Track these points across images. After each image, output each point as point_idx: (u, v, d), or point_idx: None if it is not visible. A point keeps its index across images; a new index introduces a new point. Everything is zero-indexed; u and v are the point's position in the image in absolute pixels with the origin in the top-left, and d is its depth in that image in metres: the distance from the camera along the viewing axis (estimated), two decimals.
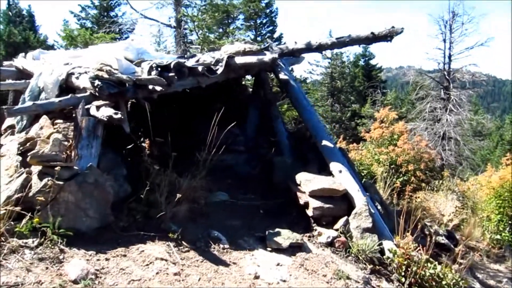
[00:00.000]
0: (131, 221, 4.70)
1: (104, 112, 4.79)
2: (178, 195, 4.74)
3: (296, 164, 6.66)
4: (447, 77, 21.86)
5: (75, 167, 4.61)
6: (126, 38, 25.82)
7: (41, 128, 5.39)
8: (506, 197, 8.29)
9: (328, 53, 33.55)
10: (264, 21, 27.52)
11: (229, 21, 23.88)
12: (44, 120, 5.49)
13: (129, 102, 8.41)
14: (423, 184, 9.68)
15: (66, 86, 5.71)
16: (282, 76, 7.37)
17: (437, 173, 10.91)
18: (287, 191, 6.12)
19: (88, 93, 5.20)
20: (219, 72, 6.55)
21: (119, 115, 4.69)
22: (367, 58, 38.39)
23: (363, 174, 9.67)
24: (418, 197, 9.77)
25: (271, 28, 27.77)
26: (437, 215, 9.29)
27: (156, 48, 15.34)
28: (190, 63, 6.61)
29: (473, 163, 23.34)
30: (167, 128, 8.66)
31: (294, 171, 6.45)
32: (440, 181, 11.23)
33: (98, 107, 4.95)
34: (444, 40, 21.66)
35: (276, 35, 27.31)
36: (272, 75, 8.66)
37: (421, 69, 24.85)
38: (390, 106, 15.12)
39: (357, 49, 38.37)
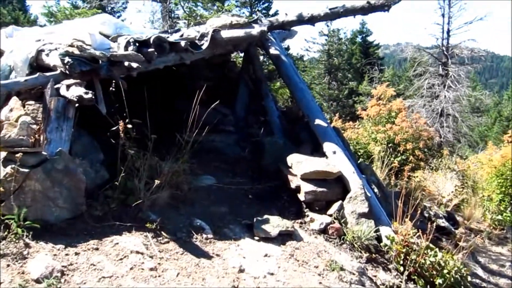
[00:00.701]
0: (106, 210, 4.32)
1: (74, 91, 4.36)
2: (157, 181, 4.35)
3: (288, 145, 6.27)
4: (445, 52, 21.43)
5: (44, 153, 4.21)
6: (119, 17, 25.17)
7: (11, 110, 4.96)
8: (508, 176, 7.95)
9: (325, 29, 32.93)
10: None
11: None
12: (14, 101, 5.05)
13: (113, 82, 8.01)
14: (422, 163, 9.32)
15: (37, 65, 5.26)
16: (272, 51, 6.92)
17: (436, 151, 10.55)
18: (278, 174, 5.75)
19: (58, 72, 4.76)
20: (204, 47, 6.10)
21: (89, 95, 4.27)
22: (364, 35, 37.74)
23: (359, 154, 9.31)
24: (417, 176, 9.45)
25: (266, 4, 27.02)
26: (436, 195, 8.97)
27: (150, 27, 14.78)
28: (173, 38, 6.15)
29: (471, 140, 23.05)
30: (149, 108, 8.28)
31: (285, 153, 6.07)
32: (439, 160, 10.90)
33: (68, 87, 4.52)
34: (443, 15, 21.16)
35: (271, 12, 26.57)
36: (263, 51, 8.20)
37: (419, 45, 24.33)
38: (387, 83, 14.67)
39: (355, 26, 37.78)
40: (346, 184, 5.24)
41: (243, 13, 23.75)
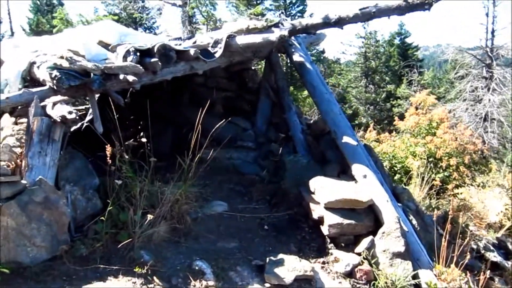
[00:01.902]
0: (94, 248, 3.72)
1: (58, 110, 3.80)
2: (150, 216, 3.71)
3: (312, 164, 5.52)
4: (489, 54, 20.12)
5: (23, 181, 3.66)
6: (153, 23, 24.98)
7: (1, 129, 4.50)
8: None
9: (361, 32, 31.85)
10: (293, 0, 26.07)
11: (257, 1, 22.51)
12: (6, 120, 4.60)
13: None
14: (467, 180, 8.32)
15: (30, 79, 4.77)
16: (296, 57, 6.19)
17: (483, 165, 9.48)
18: (300, 199, 5.01)
19: (46, 87, 4.22)
20: (217, 55, 5.46)
21: (73, 115, 3.69)
22: (402, 37, 36.24)
23: (396, 169, 8.41)
24: (461, 193, 8.46)
25: (301, 7, 26.26)
26: (484, 216, 7.97)
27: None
28: (185, 45, 5.55)
29: None
30: (158, 122, 7.72)
31: (309, 173, 5.33)
32: (487, 174, 9.85)
33: (54, 105, 3.96)
34: (487, 14, 19.82)
35: (306, 15, 25.76)
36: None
37: (461, 46, 22.95)
38: (428, 89, 13.61)
39: (393, 27, 36.28)
40: (378, 215, 4.44)
41: (277, 17, 23.04)
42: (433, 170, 7.92)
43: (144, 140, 7.80)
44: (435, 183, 7.56)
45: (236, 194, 5.40)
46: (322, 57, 29.44)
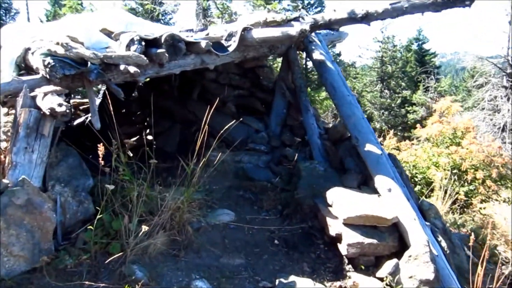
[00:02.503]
0: (81, 259, 3.27)
1: (48, 102, 3.36)
2: (145, 227, 3.25)
3: (330, 173, 5.03)
4: (510, 62, 19.32)
5: (5, 181, 3.24)
6: (170, 19, 24.51)
7: None
8: None
9: (379, 36, 31.18)
10: (312, 1, 25.53)
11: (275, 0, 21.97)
12: None
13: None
14: (493, 195, 7.74)
15: (25, 66, 4.34)
16: (316, 55, 5.69)
17: (510, 180, 8.87)
18: (315, 211, 4.52)
19: (39, 76, 3.79)
20: (231, 49, 5.00)
21: (63, 108, 3.24)
22: (420, 42, 35.47)
23: (416, 180, 7.87)
24: (484, 208, 7.88)
25: (319, 9, 25.70)
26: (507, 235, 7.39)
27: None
28: (197, 37, 5.08)
29: None
30: (166, 119, 7.27)
31: (325, 183, 4.86)
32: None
33: (45, 95, 3.53)
34: (510, 22, 19.06)
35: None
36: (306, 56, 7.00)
37: (479, 55, 22.23)
38: (446, 96, 12.99)
39: (411, 33, 35.52)
40: (403, 234, 3.94)
41: (298, 11, 22.52)
42: (457, 183, 7.36)
43: (150, 137, 7.37)
44: (459, 197, 7.01)
45: (244, 202, 4.93)
46: (338, 60, 28.88)
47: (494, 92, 19.76)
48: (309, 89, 12.90)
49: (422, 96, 27.92)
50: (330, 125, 7.05)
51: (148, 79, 7.80)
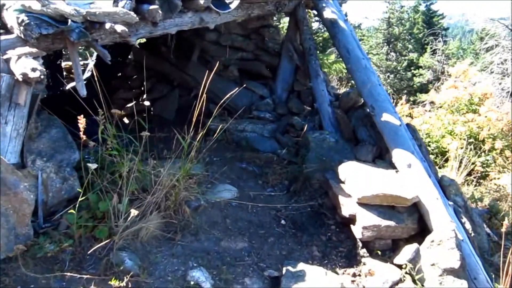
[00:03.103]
0: (64, 246, 2.90)
1: (20, 66, 2.89)
2: (134, 211, 2.85)
3: (341, 144, 4.61)
4: None
5: None
6: None
7: None
8: None
9: None
10: None
11: None
12: None
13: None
14: (510, 166, 7.32)
15: (2, 24, 3.84)
16: (327, 14, 5.15)
17: None
18: (326, 187, 4.13)
19: (14, 35, 3.30)
20: (233, 6, 4.46)
21: (37, 73, 2.78)
22: (428, 3, 34.19)
23: (430, 149, 7.43)
24: (498, 178, 7.48)
25: None
26: None
27: None
28: None
29: None
30: (164, 84, 6.78)
31: (337, 156, 4.47)
32: None
33: (19, 58, 3.06)
34: None
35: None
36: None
37: (488, 16, 21.28)
38: (453, 59, 12.35)
39: None
40: (424, 215, 3.55)
41: None
42: (473, 153, 6.93)
43: (147, 103, 6.91)
44: (475, 168, 6.60)
45: (248, 176, 4.53)
46: (346, 19, 27.89)
47: (504, 55, 19.04)
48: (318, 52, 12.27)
49: (429, 59, 27.15)
50: (340, 91, 6.57)
51: (144, 40, 7.30)
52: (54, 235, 2.98)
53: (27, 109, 3.16)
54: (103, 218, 3.11)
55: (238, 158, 4.82)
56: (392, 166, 4.08)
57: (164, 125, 6.00)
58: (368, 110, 4.51)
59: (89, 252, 2.85)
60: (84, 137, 2.87)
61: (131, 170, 3.32)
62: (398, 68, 30.97)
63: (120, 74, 7.32)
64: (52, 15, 3.18)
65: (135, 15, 3.44)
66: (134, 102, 6.76)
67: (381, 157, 4.42)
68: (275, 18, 7.11)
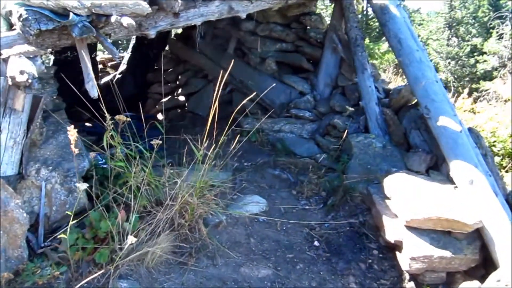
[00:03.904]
0: (56, 274, 2.56)
1: (12, 68, 2.55)
2: (132, 239, 2.44)
3: (389, 151, 4.01)
4: None
5: None
6: None
7: None
8: None
9: None
10: None
11: None
12: None
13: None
14: None
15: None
16: None
17: None
18: (368, 202, 3.56)
19: (15, 32, 2.98)
20: None
21: (25, 76, 2.42)
22: None
23: (495, 150, 6.56)
24: None
25: None
26: None
27: None
28: None
29: None
30: (199, 77, 6.36)
31: (383, 164, 3.88)
32: None
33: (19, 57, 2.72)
34: None
35: None
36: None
37: None
38: None
39: None
40: (488, 244, 2.90)
41: None
42: None
43: (181, 98, 6.56)
44: None
45: (281, 185, 4.04)
46: (401, 5, 26.42)
47: None
48: (367, 41, 11.39)
49: (495, 45, 25.17)
50: (391, 85, 5.89)
51: (180, 30, 6.94)
52: (53, 256, 2.66)
53: (26, 114, 2.84)
54: (105, 238, 2.75)
55: (271, 164, 4.33)
56: (449, 179, 3.44)
57: (197, 122, 5.62)
58: (423, 112, 3.86)
59: (86, 280, 2.49)
60: (76, 151, 2.47)
61: (142, 182, 2.95)
62: (460, 54, 29.04)
63: (156, 67, 7.01)
64: (54, 9, 2.83)
65: (147, 6, 3.01)
66: (169, 97, 6.42)
67: (436, 167, 3.78)
68: (318, 5, 6.49)
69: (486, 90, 12.06)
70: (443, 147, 3.46)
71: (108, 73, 7.05)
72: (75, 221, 2.70)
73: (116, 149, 2.92)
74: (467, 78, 26.69)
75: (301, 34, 5.36)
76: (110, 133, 2.84)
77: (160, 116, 6.26)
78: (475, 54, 28.34)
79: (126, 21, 2.80)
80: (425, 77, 3.80)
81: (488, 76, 23.40)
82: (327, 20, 5.62)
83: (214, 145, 3.09)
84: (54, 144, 3.19)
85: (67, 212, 2.97)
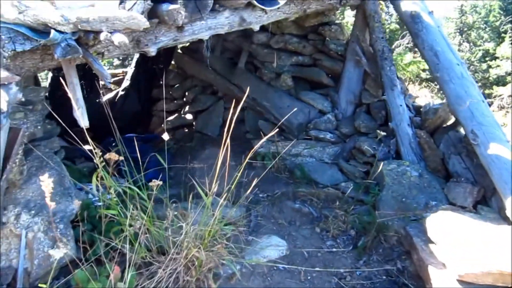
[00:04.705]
0: None
1: None
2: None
3: (427, 180, 3.47)
4: None
5: None
6: None
7: None
8: None
9: None
10: None
11: None
12: None
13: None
14: None
15: None
16: (406, 5, 4.00)
17: None
18: (407, 244, 3.03)
19: None
20: (282, 1, 3.46)
21: None
22: None
23: None
24: None
25: None
26: None
27: None
28: None
29: None
30: (208, 93, 5.90)
31: (421, 197, 3.35)
32: None
33: None
34: None
35: None
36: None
37: None
38: None
39: None
40: None
41: None
42: None
43: (189, 117, 6.07)
44: None
45: (302, 221, 3.52)
46: (431, 11, 26.02)
47: None
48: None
49: (508, 49, 24.61)
50: (418, 100, 5.36)
51: (187, 44, 6.46)
52: None
53: (1, 151, 2.36)
54: None
55: (290, 195, 3.81)
56: (503, 217, 2.91)
57: (206, 144, 5.13)
58: (464, 133, 3.34)
59: None
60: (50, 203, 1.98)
61: (139, 229, 2.46)
62: (472, 59, 28.45)
63: (162, 82, 6.56)
64: (33, 25, 2.36)
65: (144, 20, 2.52)
66: (175, 115, 5.95)
67: (483, 200, 3.24)
68: (338, 13, 6.01)
69: (500, 95, 11.50)
70: (495, 179, 2.92)
71: (111, 90, 6.61)
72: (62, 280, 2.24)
73: (107, 192, 2.43)
74: (480, 84, 26.02)
75: (319, 46, 4.86)
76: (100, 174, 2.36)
77: (166, 136, 5.81)
78: (487, 59, 27.73)
79: (118, 38, 2.32)
80: (470, 95, 3.28)
81: (501, 81, 22.86)
82: (349, 30, 5.12)
83: (226, 180, 2.61)
84: (38, 184, 2.71)
85: (51, 267, 2.52)
